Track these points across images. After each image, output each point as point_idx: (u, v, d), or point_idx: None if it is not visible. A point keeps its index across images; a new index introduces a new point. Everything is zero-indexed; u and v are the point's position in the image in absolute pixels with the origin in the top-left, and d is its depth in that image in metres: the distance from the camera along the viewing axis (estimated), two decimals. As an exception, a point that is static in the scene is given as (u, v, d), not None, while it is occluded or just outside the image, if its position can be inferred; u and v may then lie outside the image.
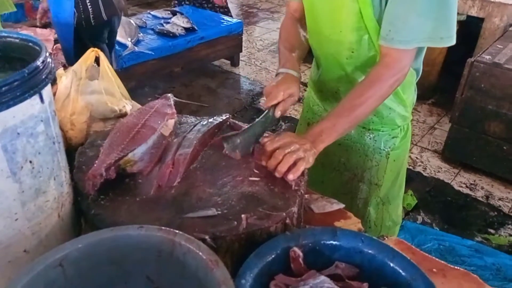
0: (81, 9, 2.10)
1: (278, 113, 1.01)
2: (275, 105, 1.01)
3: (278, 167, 0.86)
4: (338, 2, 1.02)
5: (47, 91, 0.68)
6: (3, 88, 0.59)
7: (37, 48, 0.71)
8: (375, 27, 1.01)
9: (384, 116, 1.18)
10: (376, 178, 1.27)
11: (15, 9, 1.12)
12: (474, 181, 2.66)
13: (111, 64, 2.63)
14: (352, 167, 1.28)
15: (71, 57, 2.07)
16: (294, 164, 0.86)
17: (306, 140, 0.92)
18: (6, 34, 0.75)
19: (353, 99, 0.99)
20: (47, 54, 0.68)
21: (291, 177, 0.85)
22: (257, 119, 1.00)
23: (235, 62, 4.12)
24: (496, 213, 2.42)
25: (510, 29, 2.93)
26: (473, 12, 3.10)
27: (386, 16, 0.97)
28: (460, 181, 2.66)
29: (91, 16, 2.15)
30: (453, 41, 0.95)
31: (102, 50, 2.31)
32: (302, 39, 1.22)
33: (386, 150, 1.22)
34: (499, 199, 2.52)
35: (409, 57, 0.99)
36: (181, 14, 3.82)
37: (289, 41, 1.19)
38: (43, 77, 0.65)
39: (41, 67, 0.65)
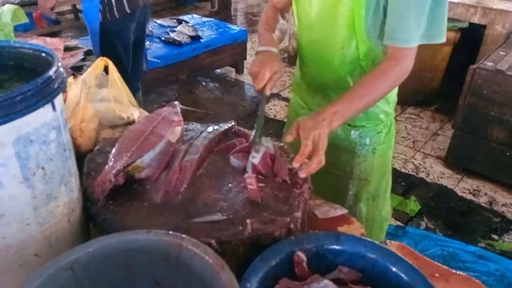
0: (106, 2, 2.19)
1: (268, 92, 1.08)
2: (265, 85, 1.07)
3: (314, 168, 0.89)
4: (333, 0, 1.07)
5: (59, 100, 0.70)
6: (18, 97, 0.61)
7: (49, 58, 0.74)
8: (362, 29, 1.07)
9: (368, 112, 1.23)
10: (365, 174, 1.32)
11: (27, 20, 1.15)
12: (478, 187, 2.66)
13: (143, 64, 2.76)
14: (342, 166, 1.32)
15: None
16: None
17: (324, 120, 0.95)
18: (19, 45, 0.78)
19: (366, 87, 1.04)
20: (59, 64, 0.71)
21: (303, 175, 0.90)
22: (259, 109, 1.07)
23: (239, 70, 4.15)
24: (499, 219, 2.41)
25: (512, 36, 2.95)
26: (476, 19, 3.12)
27: (390, 17, 1.02)
28: (463, 187, 2.66)
29: (114, 8, 2.22)
30: (444, 39, 1.04)
31: (127, 47, 2.40)
32: (281, 26, 1.26)
33: (372, 145, 1.28)
34: (503, 205, 2.51)
35: (412, 55, 1.05)
36: (187, 22, 3.87)
37: (269, 24, 1.24)
38: (56, 86, 0.67)
39: (53, 77, 0.67)
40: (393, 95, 1.28)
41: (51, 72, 0.67)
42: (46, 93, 0.66)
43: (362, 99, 1.03)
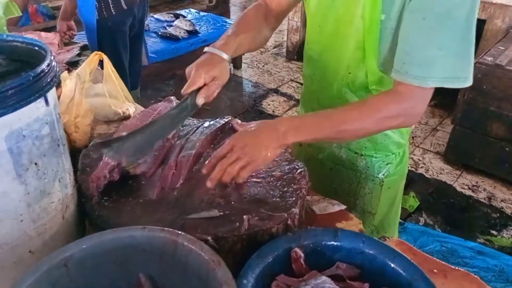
0: None
1: (200, 100, 0.88)
2: (196, 91, 0.88)
3: (223, 178, 0.79)
4: (346, 17, 0.94)
5: (52, 94, 0.69)
6: (9, 92, 0.60)
7: (42, 52, 0.72)
8: (373, 58, 0.93)
9: (378, 142, 1.09)
10: (370, 207, 1.18)
11: (21, 14, 1.14)
12: (477, 182, 2.65)
13: (142, 59, 2.77)
14: (344, 194, 1.19)
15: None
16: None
17: (270, 134, 0.81)
18: (12, 38, 0.77)
19: (348, 113, 0.86)
20: (52, 57, 0.69)
21: (236, 180, 0.80)
22: (167, 111, 0.89)
23: (237, 65, 4.13)
24: (498, 214, 2.41)
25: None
26: (475, 14, 3.10)
27: (401, 45, 0.84)
28: (463, 182, 2.66)
29: (110, 5, 2.22)
30: (469, 82, 0.84)
31: (125, 43, 2.41)
32: (259, 34, 1.05)
33: (380, 177, 1.14)
34: (502, 200, 2.51)
35: (423, 97, 0.85)
36: (184, 17, 3.85)
37: (242, 25, 1.02)
38: (48, 80, 0.66)
39: (46, 71, 0.66)
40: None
41: (44, 66, 0.66)
42: (39, 87, 0.65)
43: (337, 126, 0.84)
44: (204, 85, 0.89)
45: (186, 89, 0.87)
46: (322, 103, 1.12)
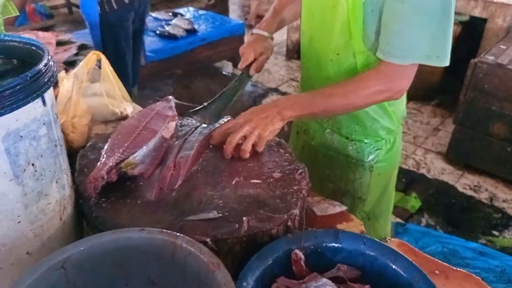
0: None
1: (252, 72, 1.14)
2: (249, 66, 1.15)
3: (241, 156, 0.91)
4: (331, 1, 1.00)
5: (49, 94, 0.68)
6: (6, 92, 0.60)
7: (40, 51, 0.72)
8: (360, 39, 0.99)
9: (367, 126, 1.15)
10: (360, 192, 1.23)
11: (18, 13, 1.13)
12: (478, 182, 2.64)
13: (141, 58, 2.79)
14: (336, 179, 1.24)
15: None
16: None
17: (271, 110, 0.95)
18: (9, 38, 0.76)
19: (336, 87, 1.00)
20: (50, 57, 0.69)
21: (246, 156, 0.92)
22: (230, 83, 1.12)
23: (237, 63, 4.10)
24: (500, 215, 2.41)
25: (513, 29, 2.92)
26: (476, 13, 3.09)
27: (384, 29, 0.94)
28: (464, 183, 2.65)
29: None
30: (447, 62, 0.93)
31: (127, 38, 2.40)
32: (297, 7, 1.19)
33: (370, 163, 1.19)
34: (503, 201, 2.51)
35: (406, 73, 0.96)
36: (182, 15, 3.84)
37: (280, 4, 1.24)
38: (46, 80, 0.66)
39: (43, 71, 0.65)
40: (399, 112, 1.17)
41: (41, 65, 0.65)
42: (36, 87, 0.64)
43: (326, 101, 0.97)
44: (255, 60, 1.15)
45: (241, 65, 1.15)
46: (317, 88, 1.16)
